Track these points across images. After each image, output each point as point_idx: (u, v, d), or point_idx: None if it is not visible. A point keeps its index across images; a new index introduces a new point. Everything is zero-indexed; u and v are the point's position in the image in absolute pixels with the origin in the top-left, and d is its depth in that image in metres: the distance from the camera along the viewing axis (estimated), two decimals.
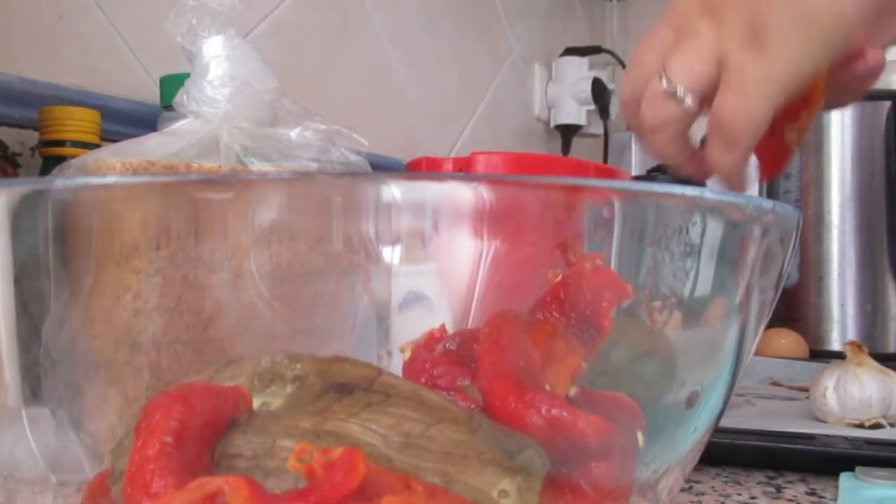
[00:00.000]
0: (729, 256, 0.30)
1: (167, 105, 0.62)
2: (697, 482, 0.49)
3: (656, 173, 1.29)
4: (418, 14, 1.26)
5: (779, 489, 0.48)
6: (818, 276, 1.13)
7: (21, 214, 0.27)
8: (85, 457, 0.29)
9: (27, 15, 0.75)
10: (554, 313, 0.30)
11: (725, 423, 0.39)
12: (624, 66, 1.56)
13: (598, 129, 1.54)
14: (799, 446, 0.52)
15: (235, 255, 0.26)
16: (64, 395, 0.29)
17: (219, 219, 0.26)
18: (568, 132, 1.54)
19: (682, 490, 0.47)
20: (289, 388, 0.27)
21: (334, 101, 1.06)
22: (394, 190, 0.26)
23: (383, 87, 1.19)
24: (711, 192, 0.29)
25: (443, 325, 0.30)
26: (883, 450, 0.51)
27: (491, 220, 0.27)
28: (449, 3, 1.32)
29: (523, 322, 0.29)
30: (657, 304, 0.29)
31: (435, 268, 0.28)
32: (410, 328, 0.30)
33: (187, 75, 0.58)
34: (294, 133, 0.58)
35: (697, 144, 0.42)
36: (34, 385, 0.29)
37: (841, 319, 1.12)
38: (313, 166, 0.57)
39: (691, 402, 0.30)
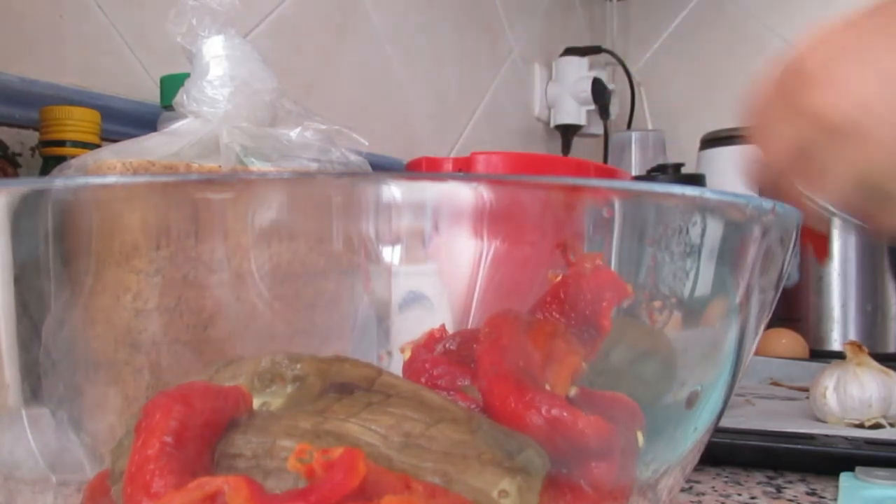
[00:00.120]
0: (729, 256, 0.30)
1: (167, 105, 0.62)
2: (697, 482, 0.49)
3: (656, 173, 1.29)
4: (418, 14, 1.26)
5: (779, 489, 0.48)
6: (818, 276, 1.13)
7: (21, 214, 0.27)
8: (85, 457, 0.29)
9: (27, 15, 0.75)
10: (554, 313, 0.30)
11: (725, 423, 0.39)
12: (624, 66, 1.56)
13: (598, 129, 1.53)
14: (799, 446, 0.52)
15: (235, 255, 0.26)
16: (64, 395, 0.29)
17: (219, 219, 0.26)
18: (568, 132, 1.54)
19: (682, 490, 0.47)
20: (289, 388, 0.27)
21: (334, 101, 1.06)
22: (394, 190, 0.26)
23: (383, 87, 1.19)
24: (711, 192, 0.29)
25: (443, 325, 0.30)
26: (883, 450, 0.51)
27: (491, 220, 0.26)
28: (449, 3, 1.32)
29: (523, 322, 0.29)
30: (657, 304, 0.29)
31: (435, 268, 0.28)
32: (410, 328, 0.30)
33: (187, 75, 0.58)
34: (294, 133, 0.58)
35: None
36: (34, 385, 0.29)
37: (841, 319, 1.12)
38: (313, 166, 0.57)
39: (691, 402, 0.30)
